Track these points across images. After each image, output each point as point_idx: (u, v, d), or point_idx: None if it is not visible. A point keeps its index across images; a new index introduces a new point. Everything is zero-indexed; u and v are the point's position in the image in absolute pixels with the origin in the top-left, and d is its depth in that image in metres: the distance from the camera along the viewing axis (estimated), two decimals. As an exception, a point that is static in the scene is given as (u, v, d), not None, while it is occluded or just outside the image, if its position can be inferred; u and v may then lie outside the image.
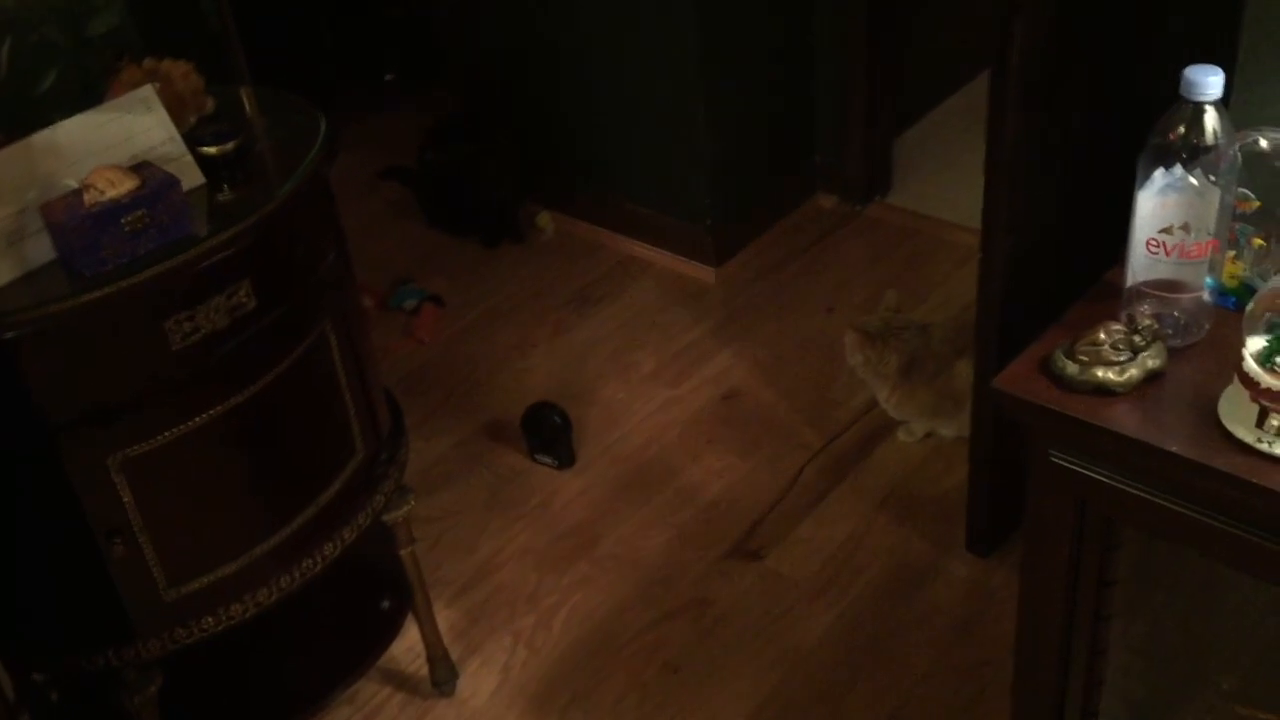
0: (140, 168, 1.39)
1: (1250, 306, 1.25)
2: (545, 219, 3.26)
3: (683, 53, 2.79)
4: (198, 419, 1.46)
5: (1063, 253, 1.75)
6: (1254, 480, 1.22)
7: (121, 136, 1.43)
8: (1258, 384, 1.22)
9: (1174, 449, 1.27)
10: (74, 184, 1.37)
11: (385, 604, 1.99)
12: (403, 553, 1.92)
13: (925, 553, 2.28)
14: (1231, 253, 1.41)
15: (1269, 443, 1.23)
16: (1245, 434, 1.24)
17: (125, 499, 1.44)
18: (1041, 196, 1.85)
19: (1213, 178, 1.28)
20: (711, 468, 2.52)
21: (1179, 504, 1.31)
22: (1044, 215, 1.87)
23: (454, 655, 2.15)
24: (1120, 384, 1.33)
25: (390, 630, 1.99)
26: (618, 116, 3.02)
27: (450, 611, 2.25)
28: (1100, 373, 1.34)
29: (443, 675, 2.08)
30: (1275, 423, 1.22)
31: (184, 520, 1.52)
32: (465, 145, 3.15)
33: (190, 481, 1.50)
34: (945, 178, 3.20)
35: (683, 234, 3.03)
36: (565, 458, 2.53)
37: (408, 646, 2.15)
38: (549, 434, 2.52)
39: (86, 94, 1.43)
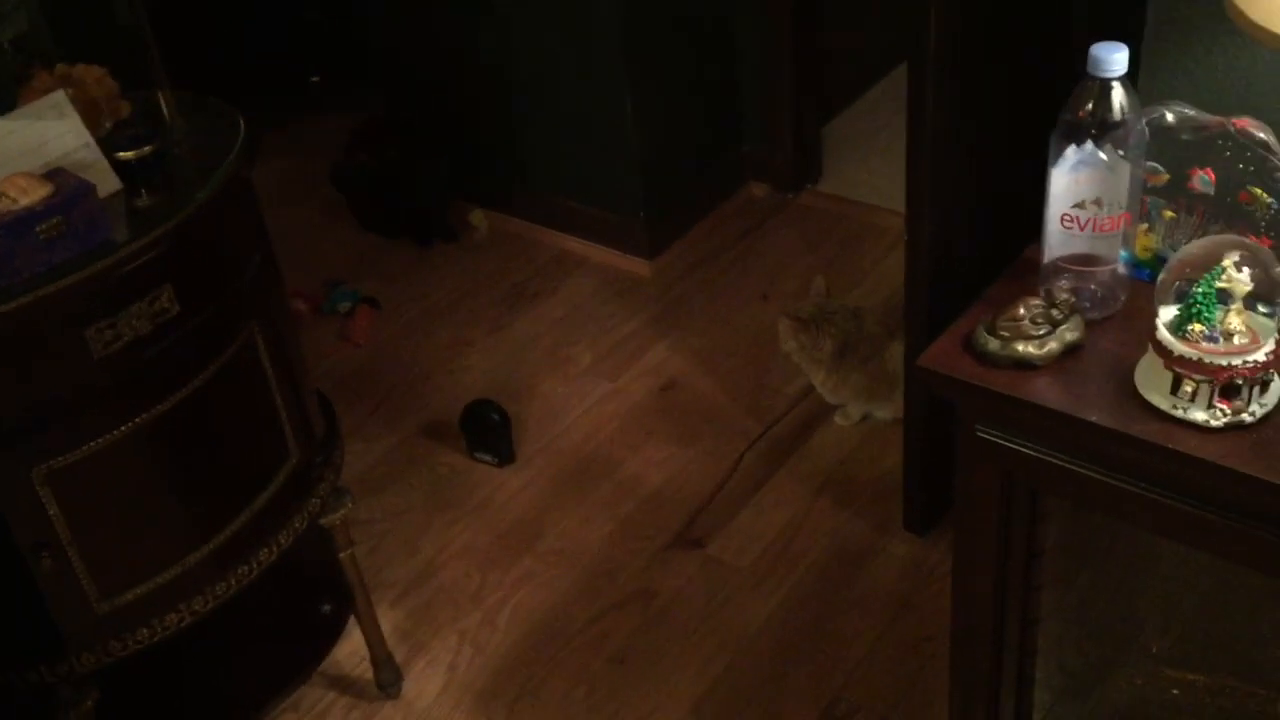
0: (54, 174, 1.37)
1: (1161, 276, 1.28)
2: (479, 217, 3.25)
3: (607, 46, 2.79)
4: (123, 428, 1.44)
5: (988, 231, 1.78)
6: (1169, 445, 1.24)
7: (34, 143, 1.40)
8: (1171, 352, 1.24)
9: (1093, 418, 1.29)
10: (-13, 193, 1.34)
11: (326, 608, 1.97)
12: (342, 555, 1.91)
13: (864, 534, 2.31)
14: (1144, 225, 1.44)
15: (1184, 409, 1.25)
16: (1161, 401, 1.27)
17: (51, 511, 1.42)
18: (964, 177, 1.87)
19: (1122, 152, 1.31)
20: (651, 459, 2.52)
21: (1100, 473, 1.34)
22: (967, 195, 1.90)
23: (399, 656, 2.15)
24: (1040, 357, 1.36)
25: (331, 634, 1.97)
26: (546, 112, 3.01)
27: (394, 613, 2.24)
28: (1020, 347, 1.36)
29: (387, 677, 2.07)
30: (1189, 389, 1.24)
31: (114, 531, 1.50)
32: (391, 147, 3.13)
33: (118, 491, 1.48)
34: (874, 163, 3.24)
35: (616, 228, 3.04)
36: (505, 454, 2.53)
37: (351, 650, 2.14)
38: (488, 432, 2.51)
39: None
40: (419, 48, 3.19)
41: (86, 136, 1.45)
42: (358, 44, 3.46)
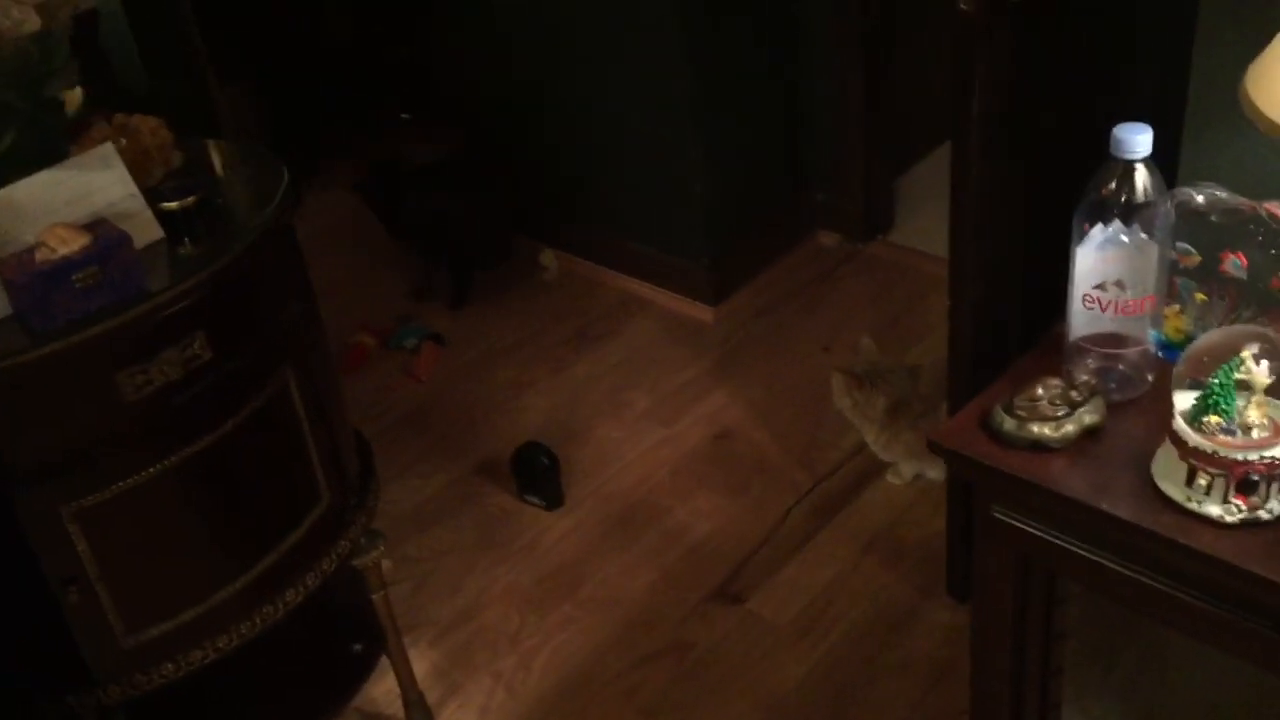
0: (94, 225, 1.42)
1: (1178, 365, 1.24)
2: (549, 257, 3.29)
3: (674, 92, 2.81)
4: (152, 469, 1.49)
5: (1035, 300, 1.74)
6: (1182, 540, 1.21)
7: (80, 194, 1.46)
8: (1186, 443, 1.21)
9: (1104, 506, 1.26)
10: (32, 241, 1.41)
11: (357, 647, 2.00)
12: (374, 597, 1.93)
13: (907, 597, 2.27)
14: (1176, 307, 1.40)
15: (1198, 501, 1.22)
16: (1176, 492, 1.23)
17: (80, 548, 1.47)
18: (1008, 243, 1.84)
19: (1145, 234, 1.28)
20: (699, 509, 2.52)
21: (1115, 561, 1.30)
22: (1013, 264, 1.87)
23: (435, 695, 2.17)
24: (1056, 440, 1.33)
25: (362, 674, 2.00)
26: (617, 154, 3.04)
27: (433, 652, 2.27)
28: (1036, 428, 1.33)
29: (418, 718, 2.09)
30: (1203, 482, 1.21)
31: (141, 568, 1.54)
32: (450, 190, 3.17)
33: (146, 530, 1.53)
34: (947, 216, 3.19)
35: (681, 272, 3.05)
36: (553, 498, 2.54)
37: (387, 689, 2.17)
38: (536, 475, 2.53)
39: (47, 153, 1.47)
40: (496, 89, 3.25)
41: (132, 187, 1.51)
42: (441, 83, 3.54)
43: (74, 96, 1.64)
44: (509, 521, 2.54)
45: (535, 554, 2.46)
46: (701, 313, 3.04)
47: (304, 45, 3.72)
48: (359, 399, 2.90)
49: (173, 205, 1.54)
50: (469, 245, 3.17)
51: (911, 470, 2.48)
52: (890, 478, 2.50)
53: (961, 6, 1.57)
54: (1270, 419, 1.20)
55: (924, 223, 3.23)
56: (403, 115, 4.01)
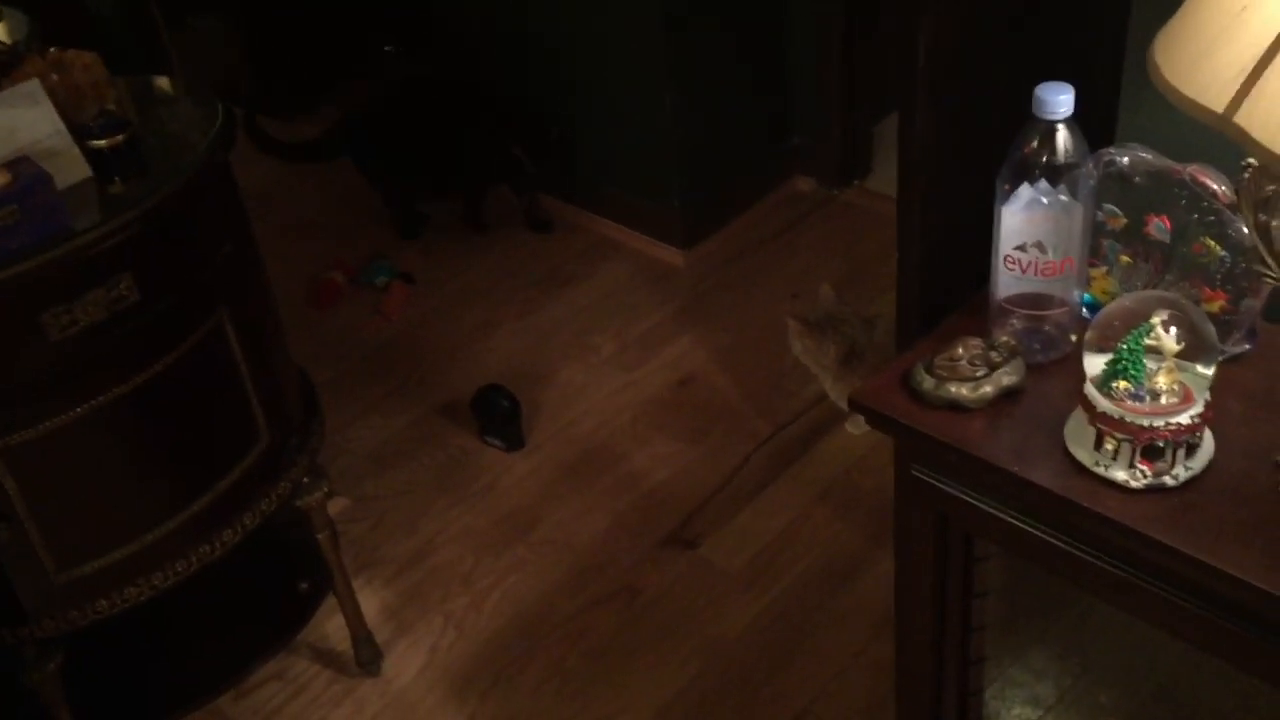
0: (15, 164, 1.41)
1: (1089, 330, 1.23)
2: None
3: (649, 33, 2.77)
4: (80, 409, 1.49)
5: (981, 256, 1.73)
6: (1087, 505, 1.21)
7: (4, 131, 1.45)
8: (1094, 407, 1.20)
9: (1016, 470, 1.26)
10: (-48, 178, 1.40)
11: (304, 585, 2.02)
12: (320, 536, 1.95)
13: (858, 546, 2.28)
14: (1103, 269, 1.39)
15: (1105, 466, 1.21)
16: (1084, 456, 1.23)
17: (7, 485, 1.48)
18: (955, 200, 1.82)
19: (1065, 196, 1.26)
20: (658, 454, 2.52)
21: (1029, 524, 1.30)
22: (959, 218, 1.84)
23: (386, 634, 2.20)
24: (973, 400, 1.32)
25: (308, 611, 2.03)
26: (590, 96, 3.01)
27: (386, 591, 2.29)
28: (954, 388, 1.33)
29: (367, 655, 2.11)
30: (1110, 446, 1.20)
31: (71, 506, 1.56)
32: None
33: (76, 468, 1.54)
34: (924, 163, 3.15)
35: (653, 216, 3.03)
36: (514, 440, 2.55)
37: (340, 624, 2.18)
38: (497, 417, 2.54)
39: (-28, 89, 1.46)
40: (476, 25, 3.21)
41: (59, 124, 1.50)
42: (426, 18, 3.49)
43: (17, 26, 1.62)
44: (468, 463, 2.55)
45: (492, 496, 2.47)
46: (673, 257, 3.03)
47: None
48: (327, 336, 2.90)
49: (101, 143, 1.53)
50: (480, 160, 3.13)
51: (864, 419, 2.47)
52: (849, 427, 2.50)
53: (906, -45, 1.54)
54: (1179, 385, 1.19)
55: (901, 170, 3.19)
56: (386, 48, 3.98)
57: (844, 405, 2.45)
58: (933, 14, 1.62)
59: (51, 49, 1.63)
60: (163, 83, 1.76)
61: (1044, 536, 1.29)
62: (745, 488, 2.43)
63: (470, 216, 3.19)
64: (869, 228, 3.08)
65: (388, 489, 2.51)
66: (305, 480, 1.85)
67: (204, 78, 1.79)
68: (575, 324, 2.89)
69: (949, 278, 1.89)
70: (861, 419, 2.46)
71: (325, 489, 1.90)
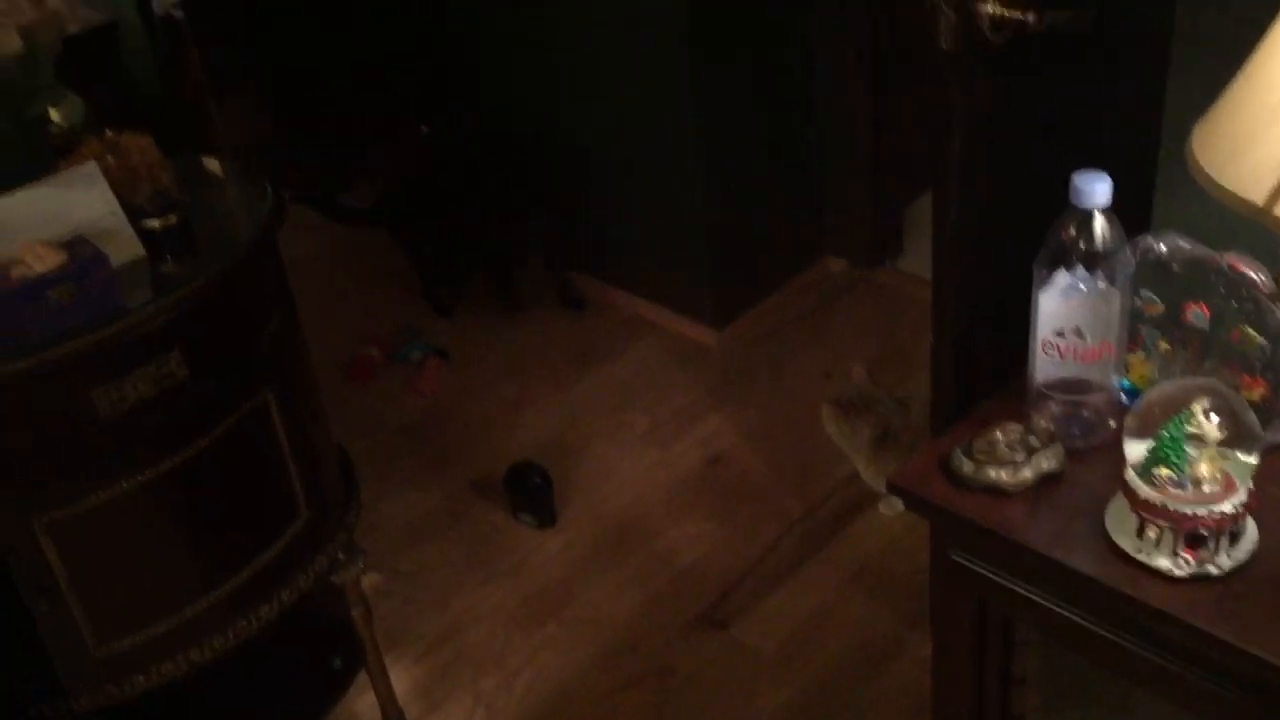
0: (72, 243, 1.45)
1: (1129, 416, 1.24)
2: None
3: (681, 113, 2.82)
4: (125, 484, 1.51)
5: (1016, 338, 1.74)
6: (1130, 592, 1.20)
7: (61, 210, 1.49)
8: (1136, 494, 1.20)
9: (1057, 555, 1.26)
10: (10, 257, 1.43)
11: (337, 662, 2.02)
12: (354, 613, 1.95)
13: (892, 629, 2.26)
14: (1141, 354, 1.39)
15: (1148, 554, 1.21)
16: (1127, 543, 1.23)
17: (51, 558, 1.49)
18: (989, 283, 1.84)
19: (1103, 283, 1.27)
20: (690, 532, 2.52)
21: (1070, 610, 1.29)
22: (992, 305, 1.86)
23: (415, 712, 2.19)
24: (1012, 485, 1.32)
25: (341, 688, 2.02)
26: (623, 176, 3.06)
27: (417, 668, 2.28)
28: (993, 472, 1.33)
29: (397, 733, 2.11)
30: (1153, 534, 1.20)
31: (113, 580, 1.57)
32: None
33: (119, 543, 1.55)
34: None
35: (685, 295, 3.06)
36: (546, 517, 2.55)
37: (370, 703, 2.18)
38: (530, 493, 2.55)
39: (31, 169, 1.50)
40: (511, 105, 3.27)
41: (114, 205, 1.54)
42: (460, 99, 3.56)
43: (73, 110, 1.67)
44: (500, 539, 2.55)
45: (524, 572, 2.47)
46: (704, 335, 3.05)
47: (323, 59, 3.76)
48: (362, 411, 2.92)
49: (154, 223, 1.56)
50: (509, 239, 3.17)
51: (902, 501, 2.46)
52: (882, 508, 2.50)
53: (942, 45, 1.57)
54: (1222, 473, 1.19)
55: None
56: (422, 128, 4.06)
57: (877, 487, 2.45)
58: (967, 100, 1.66)
59: (108, 132, 1.67)
60: (213, 163, 1.81)
61: (1085, 623, 1.28)
62: (777, 568, 2.42)
63: (501, 295, 3.23)
64: (900, 308, 3.09)
65: (420, 564, 2.51)
66: (341, 556, 1.86)
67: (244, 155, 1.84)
68: (608, 401, 2.90)
69: (983, 360, 1.90)
70: (895, 501, 2.46)
71: (361, 565, 1.91)
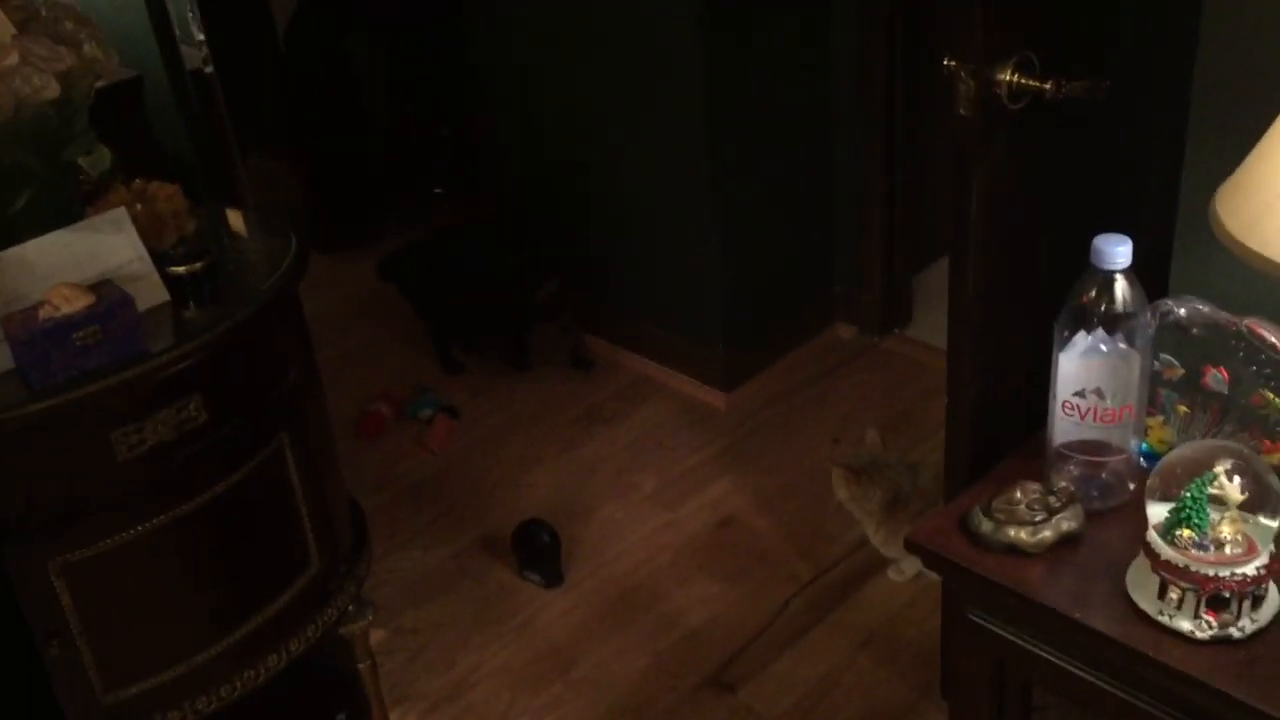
0: (99, 286, 1.46)
1: (1151, 477, 1.24)
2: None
3: (696, 179, 2.86)
4: (141, 527, 1.51)
5: (1033, 401, 1.75)
6: (1151, 654, 1.20)
7: (90, 254, 1.51)
8: (1158, 555, 1.20)
9: (1078, 616, 1.26)
10: (39, 298, 1.45)
11: (341, 717, 2.00)
12: (360, 666, 1.94)
13: (902, 696, 2.24)
14: (1160, 418, 1.40)
15: (1170, 615, 1.21)
16: (1148, 605, 1.23)
17: (64, 602, 1.48)
18: (1006, 346, 1.85)
19: (1128, 344, 1.29)
20: (697, 594, 2.50)
21: (1089, 672, 1.29)
22: (1009, 366, 1.87)
23: (418, 772, 2.16)
24: (1031, 545, 1.33)
25: (345, 743, 2.00)
26: (636, 239, 3.08)
27: (420, 727, 2.26)
28: (1013, 532, 1.33)
29: (400, 792, 2.08)
30: (1174, 595, 1.20)
31: (124, 625, 1.56)
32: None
33: (131, 587, 1.55)
34: (964, 313, 3.20)
35: (695, 357, 3.07)
36: (553, 576, 2.54)
37: (372, 760, 2.16)
38: (537, 552, 2.54)
39: (61, 214, 1.52)
40: (525, 168, 3.31)
41: (141, 251, 1.55)
42: (475, 163, 3.61)
43: (101, 159, 1.69)
44: (507, 598, 2.54)
45: (530, 632, 2.45)
46: (714, 398, 3.05)
47: (344, 121, 3.82)
48: (372, 466, 2.92)
49: (180, 269, 1.58)
50: (521, 303, 3.20)
51: (913, 567, 2.46)
52: (891, 574, 2.48)
53: (960, 112, 1.60)
54: (1244, 536, 1.19)
55: (941, 319, 3.20)
56: (436, 190, 4.11)
57: (887, 552, 2.44)
58: (984, 165, 1.67)
59: (136, 180, 1.70)
60: (237, 214, 1.83)
61: (1105, 686, 1.28)
62: (786, 632, 2.40)
63: (513, 356, 3.24)
64: (909, 375, 3.10)
65: (426, 622, 2.49)
66: (350, 609, 1.85)
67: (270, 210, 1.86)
68: (615, 462, 2.90)
69: (997, 423, 1.90)
70: (906, 566, 2.46)
71: (369, 618, 1.90)
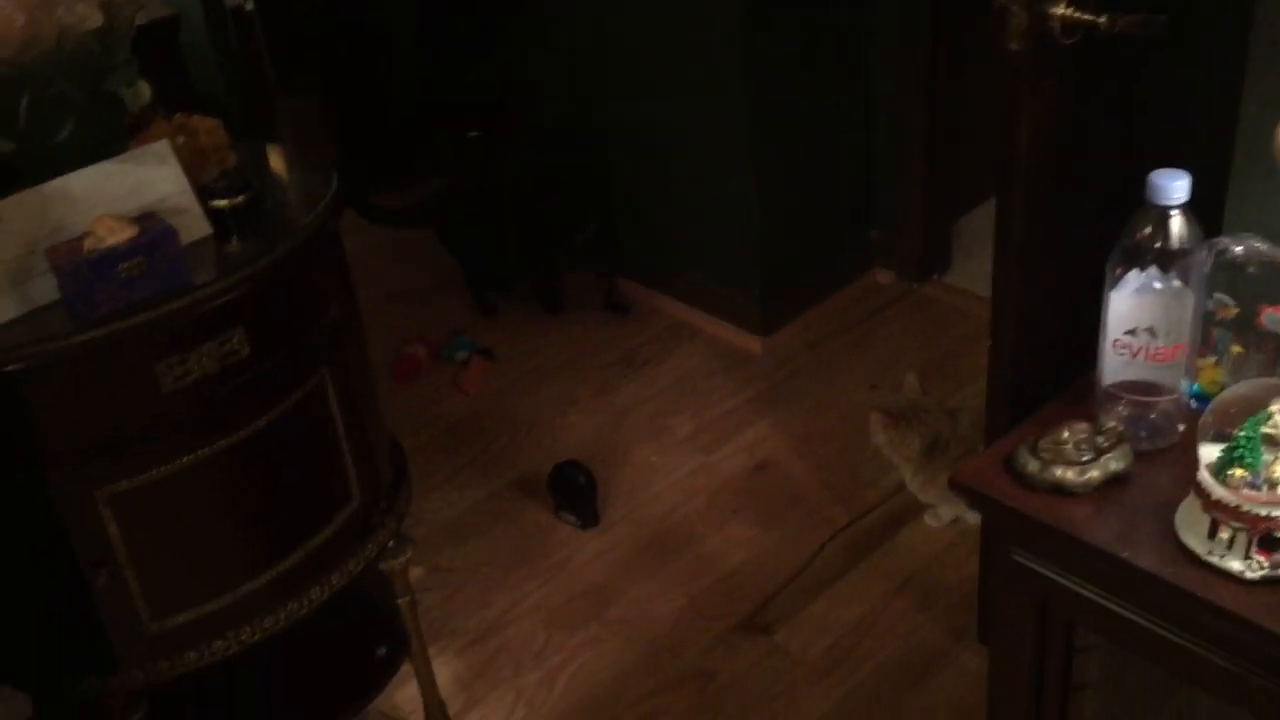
0: (143, 218, 1.46)
1: (1205, 415, 1.22)
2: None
3: (734, 121, 2.82)
4: (186, 459, 1.52)
5: (1074, 343, 1.73)
6: (1200, 594, 1.19)
7: (133, 187, 1.50)
8: (1209, 495, 1.19)
9: (1125, 555, 1.24)
10: (82, 230, 1.45)
11: (382, 650, 2.01)
12: (400, 601, 1.95)
13: (938, 640, 2.24)
14: (1212, 359, 1.38)
15: (1219, 555, 1.19)
16: (1197, 545, 1.21)
17: (111, 531, 1.50)
18: (1051, 287, 1.82)
19: (1182, 282, 1.26)
20: (733, 537, 2.51)
21: (1134, 612, 1.28)
22: (1054, 307, 1.85)
23: (456, 706, 2.18)
24: (1079, 484, 1.31)
25: (385, 677, 2.02)
26: (674, 182, 3.06)
27: (457, 662, 2.28)
28: (1059, 472, 1.32)
29: (438, 726, 2.10)
30: (1225, 535, 1.19)
31: (170, 555, 1.57)
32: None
33: (177, 518, 1.56)
34: (1004, 260, 3.16)
35: (731, 302, 3.05)
36: (588, 518, 2.55)
37: (410, 694, 2.18)
38: (573, 494, 2.54)
39: (104, 146, 1.52)
40: (562, 110, 3.28)
41: (184, 184, 1.55)
42: (509, 104, 3.58)
43: (141, 93, 1.69)
44: (543, 538, 2.55)
45: (566, 572, 2.46)
46: (750, 343, 3.04)
47: (377, 64, 3.80)
48: (408, 408, 2.93)
49: (222, 203, 1.57)
50: (554, 246, 3.18)
51: (950, 513, 2.45)
52: (928, 519, 2.48)
53: (1011, 46, 1.57)
54: (1298, 475, 1.17)
55: (981, 265, 3.17)
56: (470, 133, 4.09)
57: (924, 497, 2.44)
58: (1036, 102, 1.65)
59: (177, 114, 1.69)
60: (277, 150, 1.82)
61: (1150, 626, 1.27)
62: (822, 576, 2.40)
63: (546, 300, 3.23)
64: (948, 321, 3.08)
65: (462, 561, 2.51)
66: (391, 544, 1.86)
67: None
68: (651, 405, 2.90)
69: (1040, 364, 1.88)
70: (942, 511, 2.45)
71: (409, 553, 1.91)
